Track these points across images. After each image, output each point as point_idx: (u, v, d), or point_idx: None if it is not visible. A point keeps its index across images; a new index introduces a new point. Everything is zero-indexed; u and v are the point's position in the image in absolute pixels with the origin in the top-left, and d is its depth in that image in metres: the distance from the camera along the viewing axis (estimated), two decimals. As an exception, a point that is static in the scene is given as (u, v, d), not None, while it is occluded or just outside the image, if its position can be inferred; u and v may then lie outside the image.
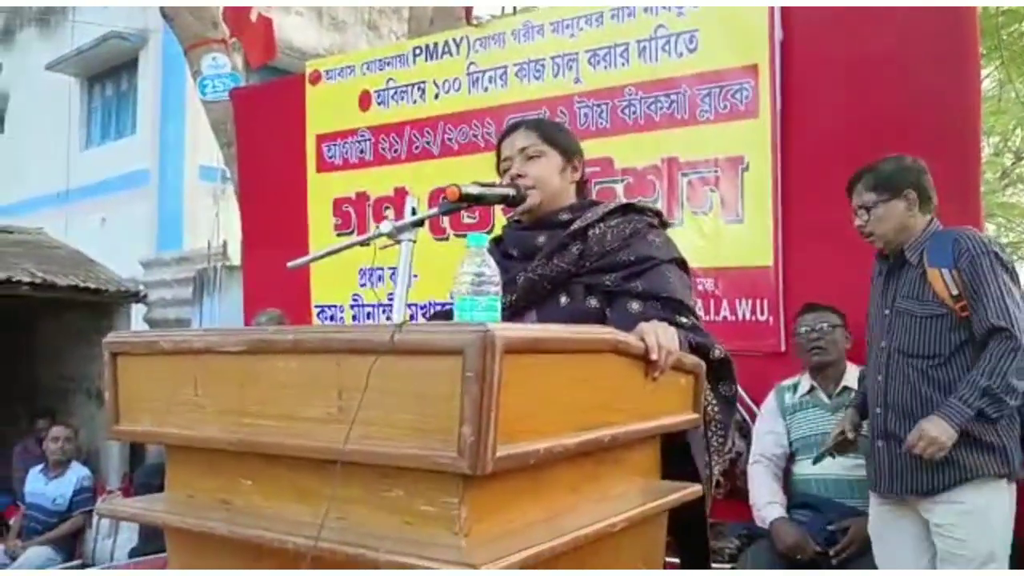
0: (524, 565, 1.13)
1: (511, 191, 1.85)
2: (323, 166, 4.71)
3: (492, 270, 1.31)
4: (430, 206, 3.81)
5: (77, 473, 5.53)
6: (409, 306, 3.09)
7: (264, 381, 1.31)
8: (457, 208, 1.76)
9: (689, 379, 1.61)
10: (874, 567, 2.76)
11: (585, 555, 1.31)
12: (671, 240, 1.94)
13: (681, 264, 1.91)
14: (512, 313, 1.85)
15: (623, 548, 1.43)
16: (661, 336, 1.51)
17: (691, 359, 1.62)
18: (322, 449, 1.20)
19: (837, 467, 2.98)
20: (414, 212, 1.69)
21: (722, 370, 1.80)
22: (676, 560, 1.82)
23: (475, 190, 1.73)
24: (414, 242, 1.67)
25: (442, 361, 1.10)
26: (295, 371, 1.27)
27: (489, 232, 3.73)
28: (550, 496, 1.30)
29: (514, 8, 5.25)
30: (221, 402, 1.36)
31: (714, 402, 1.78)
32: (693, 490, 1.57)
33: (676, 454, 1.66)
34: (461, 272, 1.31)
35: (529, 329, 1.17)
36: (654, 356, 1.47)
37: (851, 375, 3.13)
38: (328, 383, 1.21)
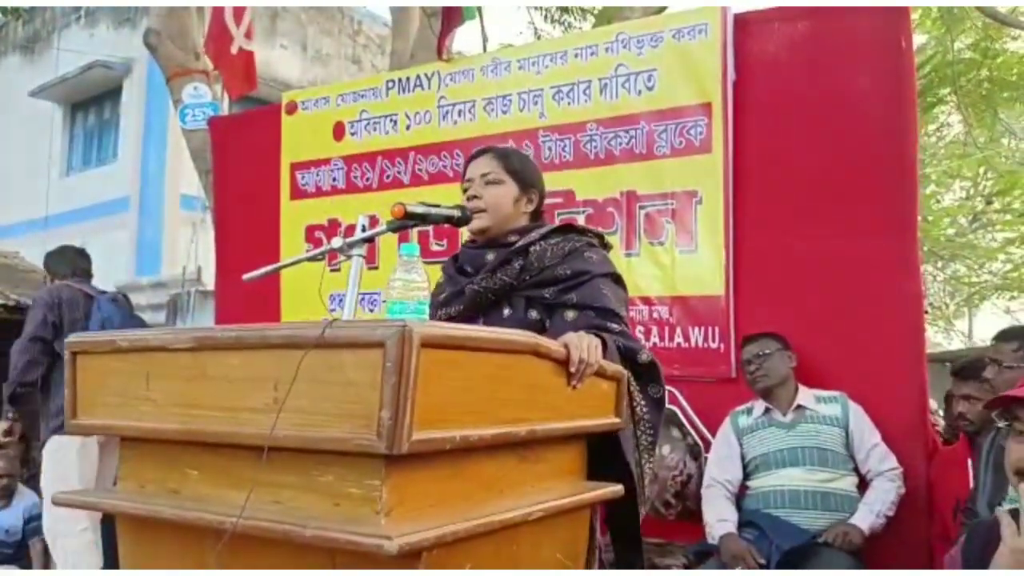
0: (438, 542, 1.24)
1: (455, 212, 1.97)
2: (296, 193, 4.83)
3: (421, 277, 1.44)
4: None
5: (24, 502, 5.35)
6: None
7: (210, 375, 1.42)
8: (403, 226, 1.88)
9: (611, 385, 1.73)
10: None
11: (504, 542, 1.43)
12: (608, 258, 2.08)
13: (616, 279, 2.04)
14: (460, 321, 1.98)
15: (543, 540, 1.54)
16: (584, 349, 1.63)
17: (613, 367, 1.73)
18: (254, 435, 1.31)
19: (795, 480, 3.08)
20: (364, 229, 1.84)
21: (650, 373, 1.93)
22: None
23: (420, 209, 1.86)
24: (363, 257, 1.82)
25: (366, 353, 1.23)
26: (237, 366, 1.38)
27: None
28: (471, 486, 1.42)
29: (485, 47, 5.44)
30: (171, 396, 1.47)
31: (643, 403, 1.90)
32: (613, 489, 1.68)
33: (608, 455, 1.78)
34: (393, 279, 1.44)
35: (447, 326, 1.29)
36: (572, 368, 1.60)
37: (805, 395, 3.21)
38: (266, 376, 1.33)
